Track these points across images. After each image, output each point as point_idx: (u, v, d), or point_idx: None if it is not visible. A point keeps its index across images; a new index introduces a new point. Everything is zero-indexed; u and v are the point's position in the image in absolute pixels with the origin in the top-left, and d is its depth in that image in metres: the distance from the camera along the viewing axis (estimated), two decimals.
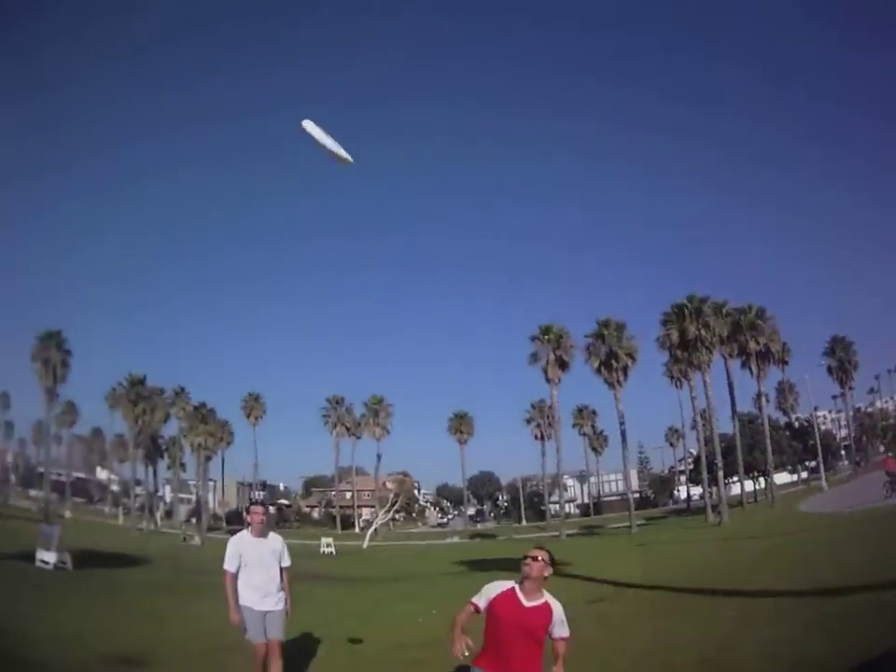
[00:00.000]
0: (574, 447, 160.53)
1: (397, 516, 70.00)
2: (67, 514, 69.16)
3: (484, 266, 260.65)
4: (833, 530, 18.55)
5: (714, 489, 47.38)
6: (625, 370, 50.58)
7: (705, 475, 49.45)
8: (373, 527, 59.15)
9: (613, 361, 50.02)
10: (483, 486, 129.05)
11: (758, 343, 53.09)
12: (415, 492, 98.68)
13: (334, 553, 39.62)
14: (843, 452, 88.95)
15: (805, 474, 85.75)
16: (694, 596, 11.52)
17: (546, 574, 4.77)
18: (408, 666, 7.93)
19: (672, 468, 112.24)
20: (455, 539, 65.36)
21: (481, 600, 4.87)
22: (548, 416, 74.93)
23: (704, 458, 49.53)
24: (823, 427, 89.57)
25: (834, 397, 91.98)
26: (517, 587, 4.76)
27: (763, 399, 59.73)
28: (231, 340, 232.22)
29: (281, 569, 6.73)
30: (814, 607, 8.46)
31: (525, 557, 4.85)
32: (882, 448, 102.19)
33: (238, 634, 6.61)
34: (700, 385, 47.10)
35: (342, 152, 5.72)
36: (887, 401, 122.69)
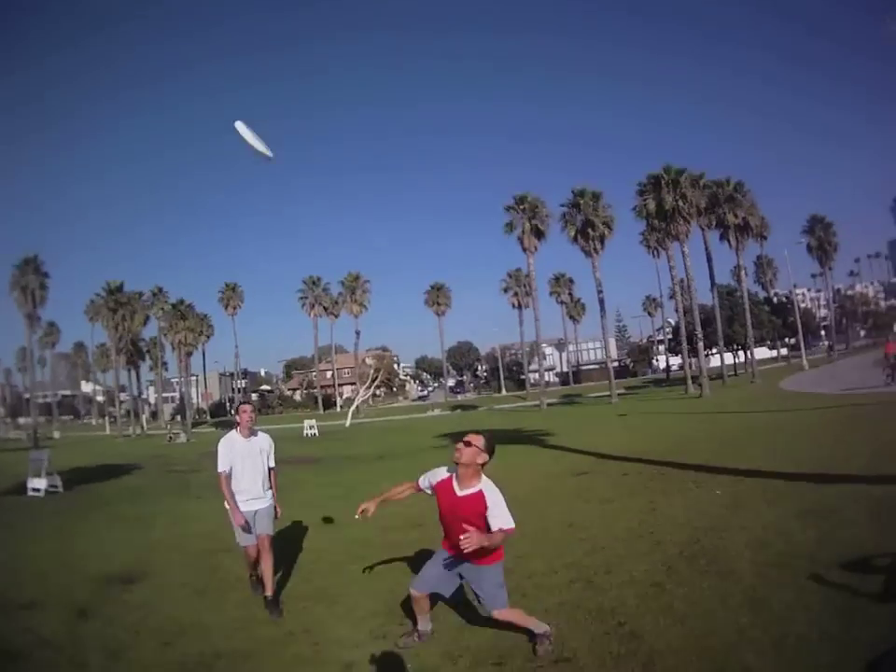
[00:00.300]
0: (552, 316, 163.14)
1: (378, 392, 70.67)
2: (56, 435, 69.55)
3: (461, 131, 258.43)
4: (821, 413, 18.18)
5: (693, 360, 47.82)
6: (602, 239, 50.22)
7: (685, 345, 49.64)
8: (354, 405, 59.55)
9: (590, 230, 49.64)
10: (463, 357, 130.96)
11: (736, 217, 52.36)
12: (395, 366, 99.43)
13: (317, 434, 39.66)
14: (822, 332, 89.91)
15: (784, 351, 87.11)
16: (680, 472, 11.49)
17: (480, 461, 4.59)
18: (393, 548, 7.86)
19: (650, 337, 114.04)
20: (437, 412, 66.22)
21: (424, 482, 4.87)
22: (525, 284, 76.01)
23: (683, 328, 49.49)
24: (803, 306, 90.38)
25: (814, 276, 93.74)
26: (454, 475, 4.61)
27: (742, 272, 59.40)
28: (205, 233, 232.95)
29: (269, 469, 6.75)
30: (804, 494, 8.34)
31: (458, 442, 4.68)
32: (862, 333, 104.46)
33: (230, 534, 6.59)
34: (678, 256, 46.88)
35: (265, 151, 6.33)
36: (867, 286, 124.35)
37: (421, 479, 4.92)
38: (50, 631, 5.68)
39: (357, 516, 4.99)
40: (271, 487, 6.76)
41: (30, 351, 69.62)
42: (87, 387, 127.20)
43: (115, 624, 5.85)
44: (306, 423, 41.78)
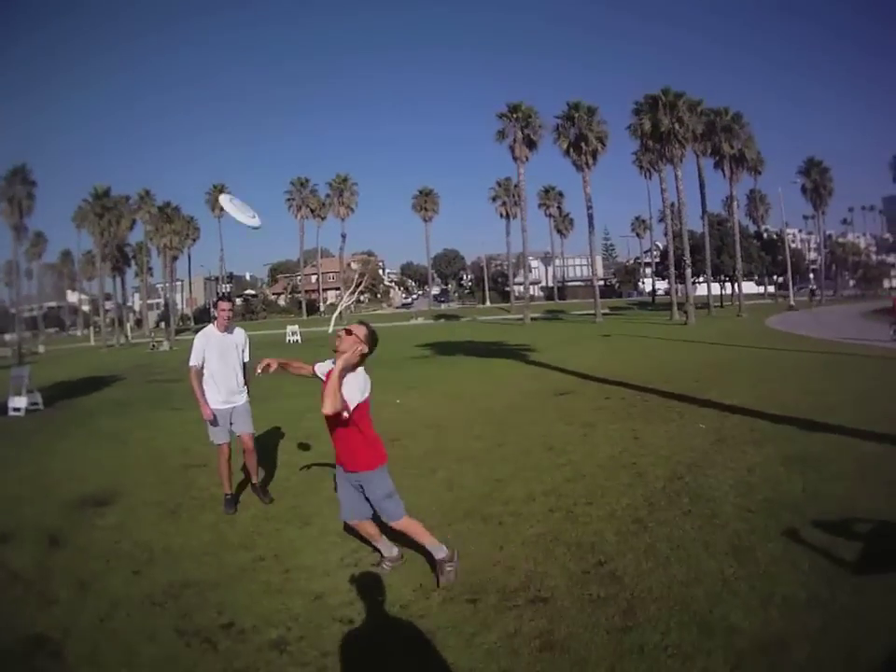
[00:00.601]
0: (540, 229, 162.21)
1: (362, 298, 70.35)
2: (41, 349, 68.06)
3: (457, 36, 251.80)
4: (813, 358, 17.42)
5: (680, 287, 47.46)
6: (594, 154, 50.03)
7: (672, 270, 49.11)
8: (338, 311, 58.84)
9: (583, 144, 49.33)
10: (448, 265, 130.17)
11: (731, 147, 51.34)
12: (380, 272, 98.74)
13: (300, 340, 39.72)
14: (811, 275, 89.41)
15: (771, 289, 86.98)
16: (663, 400, 11.38)
17: (361, 351, 4.53)
18: None
19: (637, 258, 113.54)
20: (420, 321, 66.58)
21: (318, 369, 4.75)
22: (514, 194, 75.40)
23: (672, 253, 48.98)
24: (793, 246, 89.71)
25: (806, 218, 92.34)
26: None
27: (735, 203, 58.94)
28: (193, 134, 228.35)
29: (244, 364, 6.81)
30: (791, 438, 8.09)
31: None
32: (852, 283, 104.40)
33: (206, 447, 6.86)
34: (671, 179, 46.35)
35: (253, 222, 6.00)
36: (858, 237, 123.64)
37: (317, 365, 4.79)
38: (21, 564, 5.47)
39: (258, 371, 4.85)
40: (246, 383, 6.82)
41: (16, 264, 67.52)
42: (73, 297, 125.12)
43: (86, 553, 5.66)
44: (289, 328, 41.84)
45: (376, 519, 4.81)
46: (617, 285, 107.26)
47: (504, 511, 6.02)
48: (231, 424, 6.65)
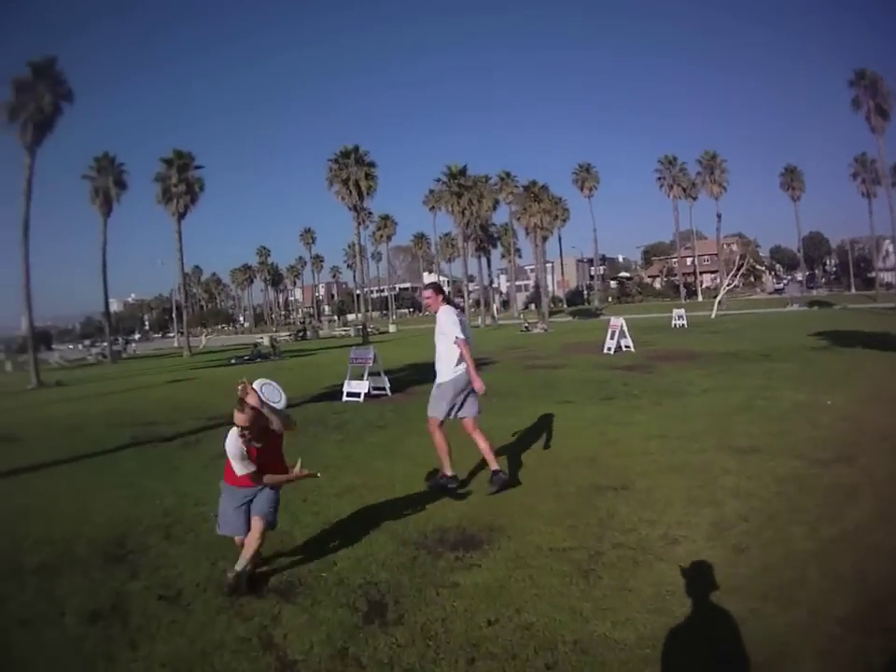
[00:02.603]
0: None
1: (737, 282, 67.13)
2: (392, 329, 72.71)
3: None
4: None
5: None
6: None
7: None
8: (721, 294, 57.31)
9: None
10: (815, 249, 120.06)
11: None
12: (759, 254, 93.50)
13: (686, 325, 38.21)
14: None
15: None
16: None
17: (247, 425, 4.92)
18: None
19: None
20: (796, 307, 62.47)
21: None
22: (871, 170, 71.68)
23: None
24: None
25: None
26: None
27: None
28: (556, 115, 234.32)
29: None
30: None
31: None
32: None
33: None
34: None
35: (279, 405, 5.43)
36: None
37: None
38: None
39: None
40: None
41: (358, 245, 64.99)
42: (429, 279, 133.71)
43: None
44: (675, 312, 40.51)
45: None
46: None
47: None
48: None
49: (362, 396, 14.61)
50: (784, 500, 6.13)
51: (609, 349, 23.19)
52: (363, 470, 8.32)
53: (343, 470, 8.34)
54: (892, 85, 48.45)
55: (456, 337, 6.88)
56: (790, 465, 7.24)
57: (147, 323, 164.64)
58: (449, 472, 7.00)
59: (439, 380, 7.10)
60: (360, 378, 14.91)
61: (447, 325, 7.01)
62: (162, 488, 8.03)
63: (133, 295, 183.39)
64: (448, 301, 7.37)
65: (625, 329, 23.56)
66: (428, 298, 7.39)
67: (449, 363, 7.00)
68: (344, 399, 14.79)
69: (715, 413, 10.56)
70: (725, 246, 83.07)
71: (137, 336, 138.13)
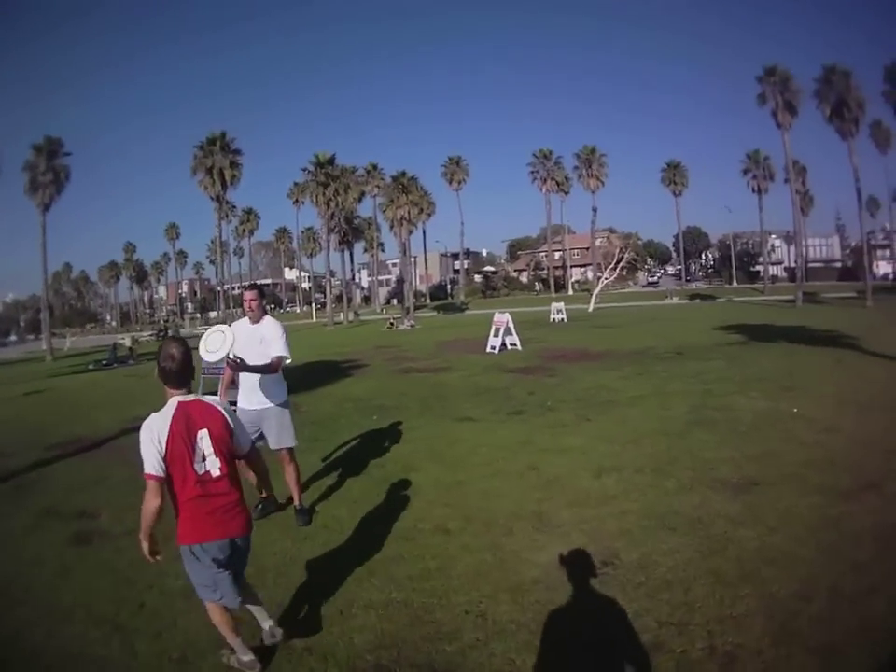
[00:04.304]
0: (782, 206, 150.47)
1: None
2: None
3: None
4: None
5: None
6: (856, 122, 46.70)
7: None
8: (599, 287, 57.01)
9: (845, 110, 45.72)
10: (692, 243, 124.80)
11: None
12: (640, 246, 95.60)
13: (566, 319, 36.65)
14: None
15: None
16: None
17: None
18: None
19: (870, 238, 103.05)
20: (675, 300, 63.69)
21: None
22: (763, 167, 75.16)
23: None
24: None
25: None
26: None
27: None
28: (427, 104, 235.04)
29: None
30: None
31: None
32: None
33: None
34: None
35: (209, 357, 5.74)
36: None
37: None
38: None
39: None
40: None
41: (219, 239, 63.44)
42: (290, 275, 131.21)
43: None
44: (553, 306, 38.97)
45: None
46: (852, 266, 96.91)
47: None
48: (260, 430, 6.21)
49: None
50: (839, 560, 4.50)
51: (494, 348, 21.12)
52: None
53: None
54: (802, 81, 49.25)
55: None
56: (809, 502, 5.60)
57: (22, 324, 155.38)
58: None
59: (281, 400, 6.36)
60: (214, 394, 11.79)
61: (279, 337, 6.23)
62: None
63: (10, 295, 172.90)
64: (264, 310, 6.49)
65: (511, 325, 21.45)
66: (253, 301, 6.26)
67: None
68: None
69: (666, 430, 8.53)
70: (600, 240, 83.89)
71: (14, 338, 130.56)
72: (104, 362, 32.59)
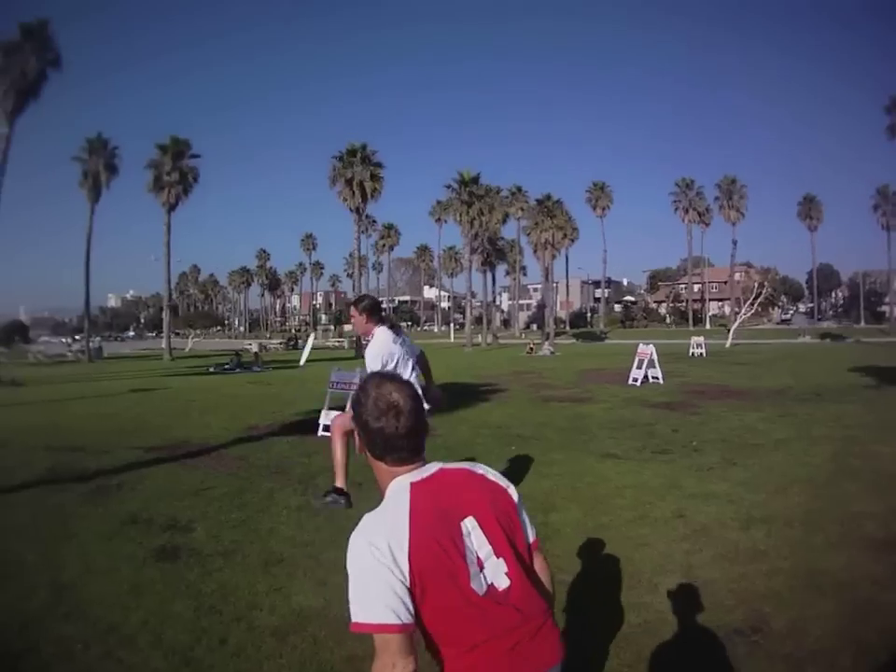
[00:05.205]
0: None
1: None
2: None
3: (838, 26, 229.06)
4: None
5: None
6: None
7: None
8: (737, 322, 56.62)
9: None
10: (824, 281, 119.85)
11: None
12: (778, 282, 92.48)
13: (705, 354, 36.51)
14: None
15: None
16: None
17: None
18: None
19: None
20: (807, 339, 62.56)
21: None
22: (892, 203, 73.55)
23: None
24: None
25: None
26: None
27: None
28: (572, 129, 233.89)
29: None
30: None
31: None
32: None
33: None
34: None
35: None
36: None
37: None
38: None
39: None
40: None
41: (358, 252, 60.86)
42: (430, 293, 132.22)
43: None
44: (693, 340, 38.82)
45: None
46: None
47: None
48: None
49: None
50: None
51: (636, 380, 20.93)
52: (329, 575, 5.11)
53: (296, 576, 5.38)
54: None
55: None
56: None
57: (142, 320, 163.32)
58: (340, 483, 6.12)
59: None
60: (342, 409, 11.60)
61: (368, 356, 5.90)
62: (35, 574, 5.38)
63: (131, 291, 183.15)
64: (382, 320, 6.14)
65: (655, 357, 21.27)
66: (352, 317, 6.21)
67: None
68: (320, 433, 11.65)
69: (812, 479, 8.26)
70: (738, 274, 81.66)
71: (131, 334, 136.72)
72: (226, 366, 32.89)
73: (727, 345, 48.76)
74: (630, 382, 20.93)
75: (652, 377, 21.43)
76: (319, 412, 12.43)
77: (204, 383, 25.08)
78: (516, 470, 8.72)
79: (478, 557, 1.91)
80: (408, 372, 5.87)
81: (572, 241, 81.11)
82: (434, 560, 1.83)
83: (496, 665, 1.86)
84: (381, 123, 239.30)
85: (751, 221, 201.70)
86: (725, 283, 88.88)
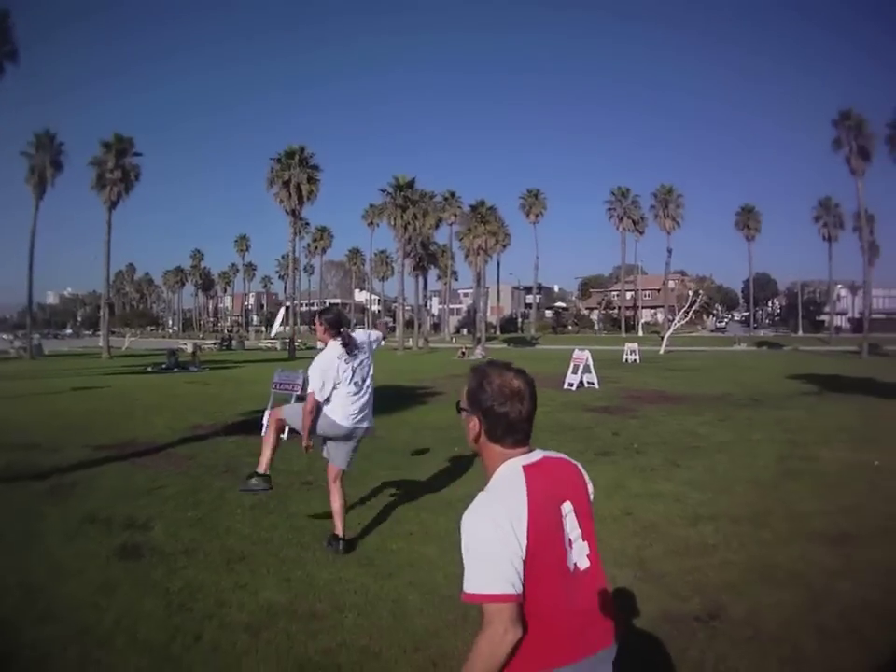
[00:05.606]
0: (851, 255, 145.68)
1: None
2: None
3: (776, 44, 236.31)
4: None
5: None
6: None
7: None
8: (671, 330, 57.13)
9: None
10: (760, 290, 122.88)
11: None
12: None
13: (638, 360, 36.79)
14: None
15: None
16: None
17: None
18: None
19: None
20: (743, 346, 63.75)
21: None
22: (834, 214, 75.13)
23: None
24: None
25: None
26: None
27: None
28: (504, 137, 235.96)
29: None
30: None
31: None
32: None
33: None
34: None
35: None
36: None
37: None
38: None
39: None
40: None
41: (292, 254, 60.62)
42: (360, 296, 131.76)
43: None
44: (627, 346, 39.06)
45: None
46: None
47: None
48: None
49: (286, 432, 11.61)
50: None
51: (572, 385, 20.98)
52: (291, 571, 5.40)
53: (259, 573, 5.39)
54: (875, 127, 48.82)
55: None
56: None
57: (79, 318, 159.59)
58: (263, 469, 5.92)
59: None
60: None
61: (311, 367, 6.04)
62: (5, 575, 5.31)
63: (68, 289, 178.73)
64: (338, 335, 6.14)
65: (591, 363, 21.36)
66: (315, 326, 6.36)
67: None
68: (264, 432, 11.38)
69: (757, 479, 8.36)
70: (672, 282, 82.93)
71: (69, 331, 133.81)
72: (164, 366, 32.68)
73: (661, 352, 49.38)
74: (566, 387, 20.91)
75: (588, 382, 21.50)
76: (260, 412, 11.95)
77: (144, 381, 24.66)
78: (462, 471, 8.77)
79: (570, 539, 2.06)
80: (352, 388, 5.97)
81: (504, 247, 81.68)
82: (545, 537, 1.96)
83: (570, 638, 1.99)
84: (317, 127, 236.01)
85: (687, 230, 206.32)
86: (658, 291, 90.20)
